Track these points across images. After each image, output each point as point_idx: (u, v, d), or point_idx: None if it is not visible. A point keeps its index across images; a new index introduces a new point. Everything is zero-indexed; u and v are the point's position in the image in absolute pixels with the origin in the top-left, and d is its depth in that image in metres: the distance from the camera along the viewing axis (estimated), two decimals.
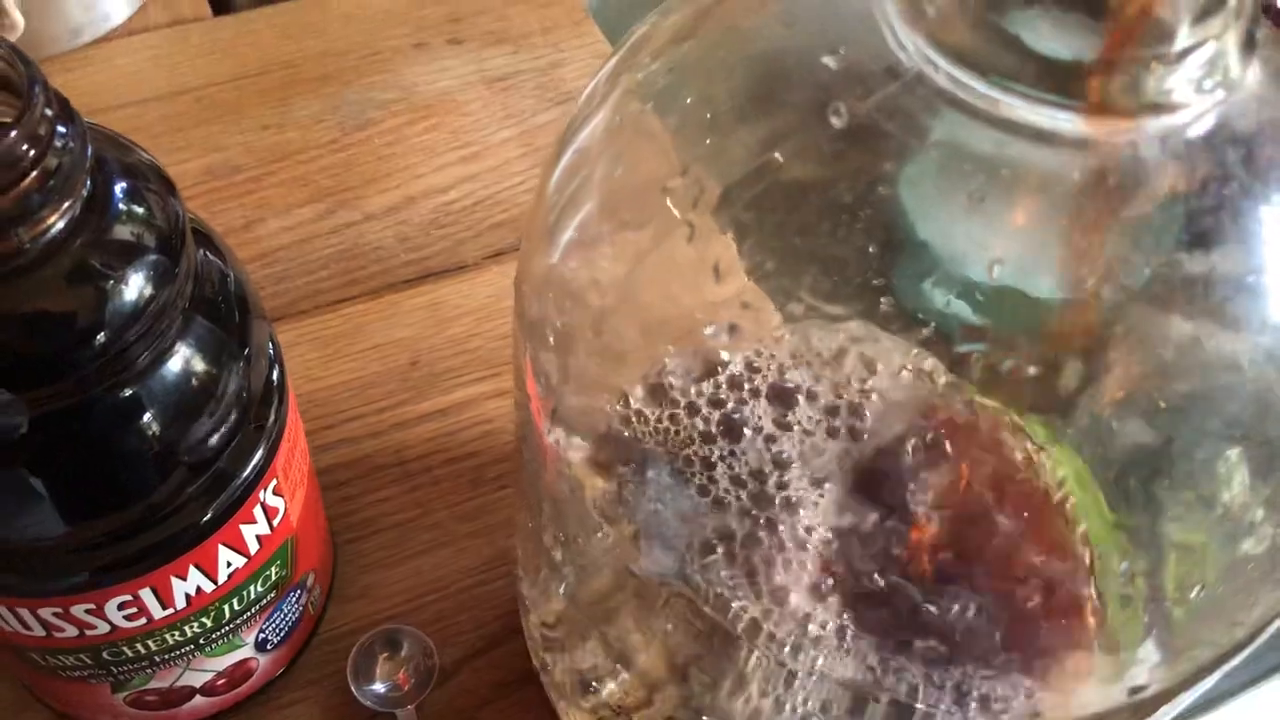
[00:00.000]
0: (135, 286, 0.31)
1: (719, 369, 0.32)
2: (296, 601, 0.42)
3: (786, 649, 0.27)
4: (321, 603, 0.46)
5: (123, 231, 0.32)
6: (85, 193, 0.30)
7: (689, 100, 0.31)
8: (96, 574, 0.34)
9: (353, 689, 0.44)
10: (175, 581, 0.36)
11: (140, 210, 0.32)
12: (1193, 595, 0.25)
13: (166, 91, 0.62)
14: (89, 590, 0.34)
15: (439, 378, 0.54)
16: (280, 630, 0.42)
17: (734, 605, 0.27)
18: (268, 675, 0.43)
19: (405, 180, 0.60)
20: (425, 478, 0.51)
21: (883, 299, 0.31)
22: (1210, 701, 0.70)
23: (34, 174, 0.29)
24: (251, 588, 0.39)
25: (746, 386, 0.31)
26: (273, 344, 0.39)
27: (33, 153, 0.28)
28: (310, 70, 0.64)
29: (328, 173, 0.60)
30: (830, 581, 0.27)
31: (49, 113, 0.29)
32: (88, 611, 0.35)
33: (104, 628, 0.36)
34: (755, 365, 0.31)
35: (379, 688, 0.45)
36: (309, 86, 0.64)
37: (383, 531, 0.49)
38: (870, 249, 0.29)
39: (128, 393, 0.31)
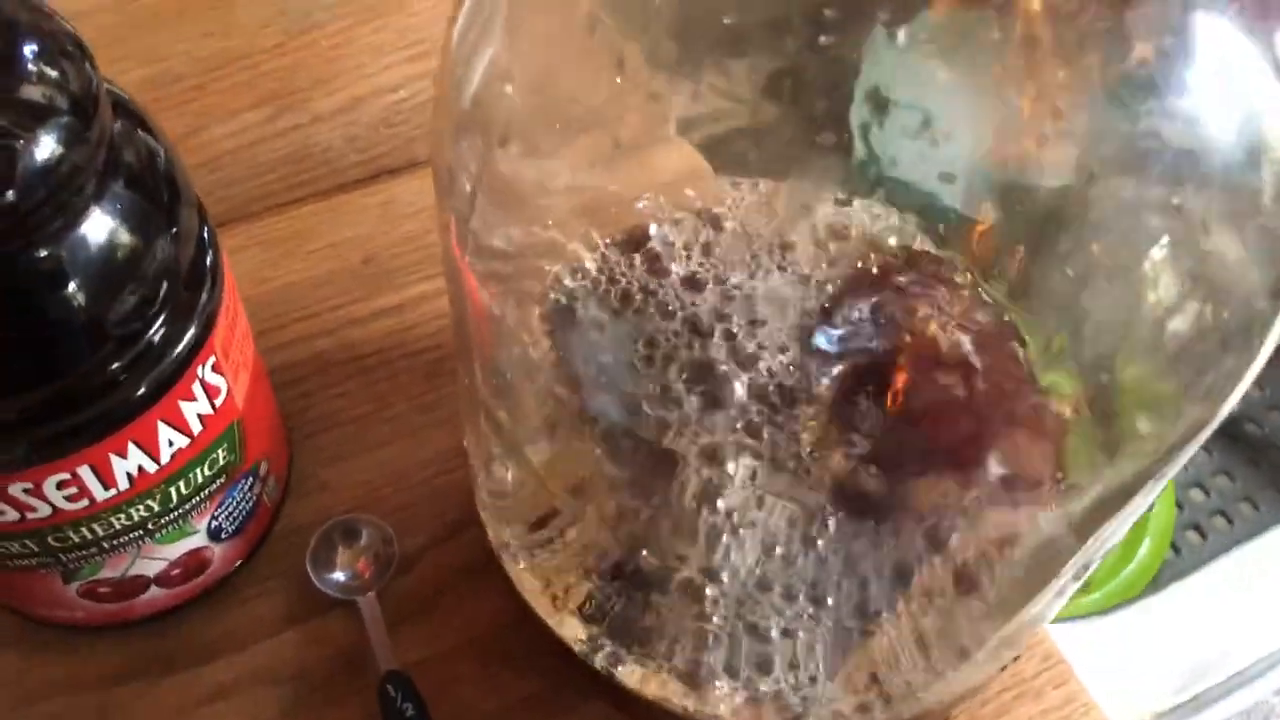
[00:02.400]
0: (45, 147, 0.30)
1: (649, 216, 0.31)
2: (249, 489, 0.42)
3: (728, 468, 0.26)
4: (278, 494, 0.45)
5: (31, 91, 0.31)
6: None
7: None
8: (31, 450, 0.34)
9: (313, 578, 0.44)
10: (115, 460, 0.35)
11: (51, 72, 0.32)
12: (1121, 378, 0.25)
13: (108, 2, 0.61)
14: (25, 468, 0.34)
15: (393, 274, 0.53)
16: (234, 519, 0.42)
17: (669, 422, 0.27)
18: (226, 566, 0.43)
19: (353, 81, 0.59)
20: (382, 372, 0.50)
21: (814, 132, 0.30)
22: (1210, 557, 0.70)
23: None
24: (198, 471, 0.38)
25: (677, 222, 0.30)
26: (207, 230, 0.38)
27: None
28: None
29: (272, 77, 0.59)
30: (771, 396, 0.26)
31: None
32: (26, 492, 0.34)
33: (45, 510, 0.35)
34: (687, 207, 0.30)
35: (339, 576, 0.44)
36: None
37: (340, 426, 0.49)
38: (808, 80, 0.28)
39: (42, 255, 0.31)
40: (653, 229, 0.32)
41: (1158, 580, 0.78)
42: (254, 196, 0.55)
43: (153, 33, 0.60)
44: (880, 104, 0.28)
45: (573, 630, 0.39)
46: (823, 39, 0.28)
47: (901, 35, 0.27)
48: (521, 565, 0.38)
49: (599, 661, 0.38)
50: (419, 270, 0.53)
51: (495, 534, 0.39)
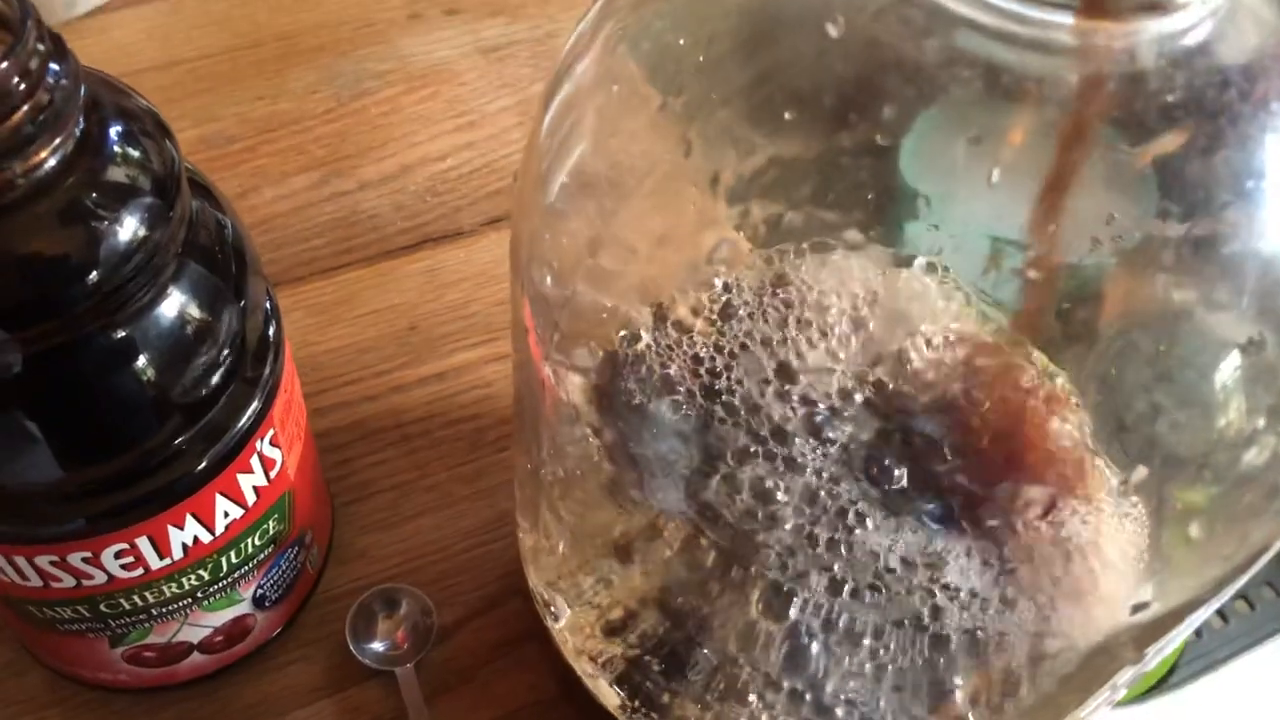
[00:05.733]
0: (128, 228, 0.31)
1: (717, 296, 0.32)
2: (294, 558, 0.42)
3: (789, 568, 0.27)
4: (320, 561, 0.45)
5: (117, 173, 0.32)
6: (78, 132, 0.30)
7: (680, 38, 0.31)
8: (93, 521, 0.34)
9: (351, 648, 0.44)
10: (173, 531, 0.36)
11: (135, 153, 0.32)
12: (1195, 507, 0.25)
13: (161, 63, 0.62)
14: (86, 538, 0.34)
15: (437, 342, 0.54)
16: (278, 587, 0.42)
17: (735, 525, 0.27)
18: (266, 633, 0.43)
19: (401, 149, 0.60)
20: (424, 440, 0.51)
21: (874, 231, 0.31)
22: (1210, 664, 0.70)
23: (25, 108, 0.28)
24: (249, 540, 0.39)
25: (744, 311, 0.31)
26: (270, 300, 0.39)
27: (23, 87, 0.28)
28: (305, 42, 0.64)
29: (322, 142, 0.60)
30: (831, 497, 0.27)
31: (41, 48, 0.29)
32: (85, 560, 0.35)
33: (101, 578, 0.36)
34: (756, 291, 0.31)
35: (378, 646, 0.45)
36: (304, 58, 0.64)
37: (381, 493, 0.49)
38: (866, 177, 0.29)
39: (121, 334, 0.31)
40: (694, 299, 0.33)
41: (1179, 666, 0.78)
42: (302, 260, 0.56)
43: (205, 94, 0.62)
44: (928, 203, 0.29)
45: (610, 697, 0.39)
46: (880, 139, 0.29)
47: (951, 130, 0.27)
48: (562, 626, 0.38)
49: None
50: (463, 338, 0.54)
51: (539, 594, 0.39)
